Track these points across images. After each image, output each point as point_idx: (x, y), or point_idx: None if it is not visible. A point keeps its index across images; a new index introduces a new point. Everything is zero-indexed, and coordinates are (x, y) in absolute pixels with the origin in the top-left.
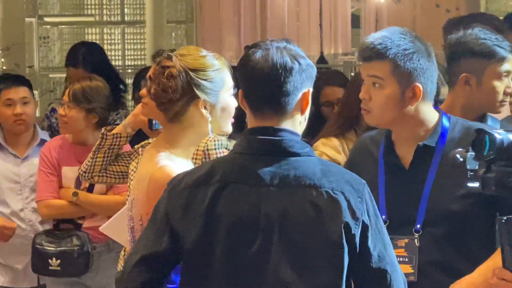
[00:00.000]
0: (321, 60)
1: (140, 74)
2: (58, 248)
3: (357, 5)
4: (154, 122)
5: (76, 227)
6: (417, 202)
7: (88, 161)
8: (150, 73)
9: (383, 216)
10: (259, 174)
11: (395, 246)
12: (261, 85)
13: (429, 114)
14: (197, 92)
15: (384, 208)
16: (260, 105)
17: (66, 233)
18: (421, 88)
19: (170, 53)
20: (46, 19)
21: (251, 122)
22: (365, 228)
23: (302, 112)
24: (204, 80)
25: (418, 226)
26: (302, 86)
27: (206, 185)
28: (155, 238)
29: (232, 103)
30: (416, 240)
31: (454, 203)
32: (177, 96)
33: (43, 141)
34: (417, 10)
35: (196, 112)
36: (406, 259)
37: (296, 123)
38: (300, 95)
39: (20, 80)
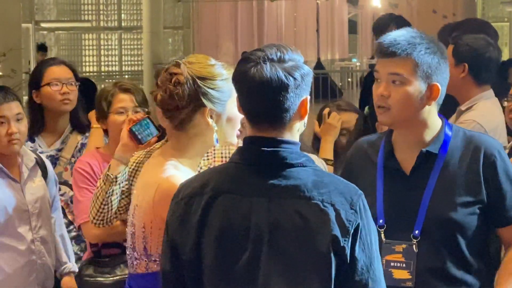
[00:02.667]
0: (318, 65)
1: None
2: (115, 278)
3: (354, 11)
4: (140, 136)
5: (123, 250)
6: (416, 208)
7: (101, 208)
8: (158, 80)
9: (381, 221)
10: (251, 185)
11: (392, 251)
12: (258, 103)
13: (436, 120)
14: (204, 100)
15: (382, 212)
16: (258, 119)
17: (117, 259)
18: (440, 88)
19: (178, 60)
20: (43, 24)
21: (249, 130)
22: (354, 241)
23: (301, 119)
24: (211, 89)
25: (417, 232)
26: (299, 98)
27: (200, 195)
28: (164, 254)
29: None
30: (414, 246)
31: (453, 211)
32: (183, 104)
33: (37, 162)
34: (414, 16)
35: (202, 120)
36: (404, 265)
37: (295, 131)
38: (298, 105)
39: (12, 94)
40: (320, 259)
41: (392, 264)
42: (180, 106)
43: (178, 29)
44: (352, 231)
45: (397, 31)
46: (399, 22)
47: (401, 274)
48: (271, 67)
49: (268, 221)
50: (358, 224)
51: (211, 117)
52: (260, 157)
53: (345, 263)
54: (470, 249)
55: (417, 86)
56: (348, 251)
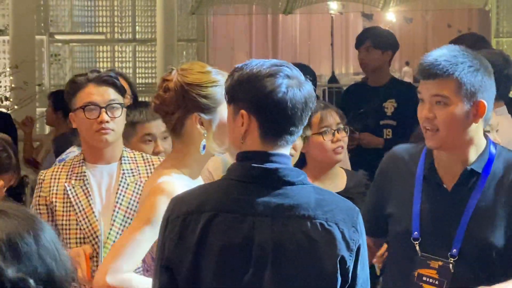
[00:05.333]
0: (333, 79)
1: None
2: None
3: (368, 25)
4: None
5: None
6: (455, 226)
7: None
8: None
9: (415, 233)
10: (252, 203)
11: (427, 266)
12: (285, 120)
13: (481, 138)
14: (191, 106)
15: (417, 224)
16: (275, 134)
17: None
18: (485, 104)
19: (173, 67)
20: (57, 36)
21: (250, 143)
22: (357, 258)
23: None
24: (198, 95)
25: (455, 251)
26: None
27: (198, 213)
28: (157, 275)
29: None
30: (451, 265)
31: (493, 234)
32: (171, 109)
33: None
34: (429, 30)
35: (194, 127)
36: (437, 282)
37: (291, 145)
38: None
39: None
40: (326, 279)
41: (424, 278)
42: (169, 112)
43: (192, 42)
44: (355, 250)
45: (439, 50)
46: (375, 37)
47: None
48: (305, 86)
49: (272, 241)
50: (360, 241)
51: (202, 124)
52: (260, 175)
53: (347, 282)
54: (505, 275)
55: (462, 106)
56: (351, 270)
